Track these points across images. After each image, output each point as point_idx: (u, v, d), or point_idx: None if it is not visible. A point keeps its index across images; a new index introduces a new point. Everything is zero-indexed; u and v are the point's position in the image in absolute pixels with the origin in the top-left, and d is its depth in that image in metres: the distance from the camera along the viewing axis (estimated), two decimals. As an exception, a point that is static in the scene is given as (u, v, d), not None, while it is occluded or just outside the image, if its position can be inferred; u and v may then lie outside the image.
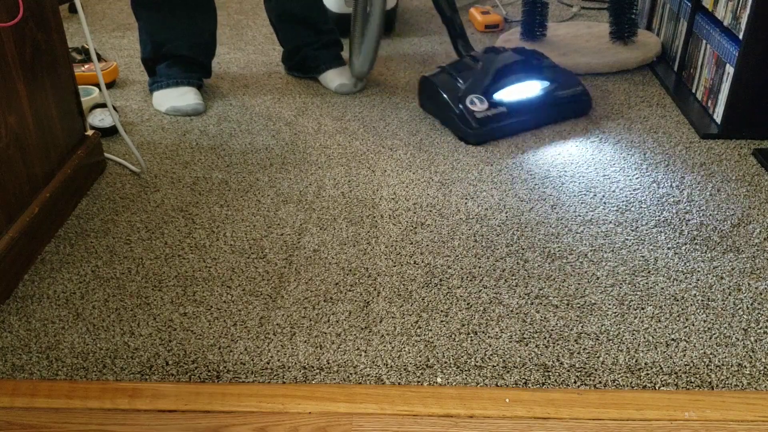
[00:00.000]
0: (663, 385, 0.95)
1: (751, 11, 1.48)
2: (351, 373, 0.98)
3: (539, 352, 1.01)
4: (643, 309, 1.09)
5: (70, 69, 1.40)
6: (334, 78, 1.88)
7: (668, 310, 1.08)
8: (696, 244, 1.24)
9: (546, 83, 1.66)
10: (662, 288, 1.13)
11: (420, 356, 1.00)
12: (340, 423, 0.90)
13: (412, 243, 1.25)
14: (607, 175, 1.46)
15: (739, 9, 1.54)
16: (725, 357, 0.99)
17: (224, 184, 1.46)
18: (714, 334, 1.03)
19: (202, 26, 1.82)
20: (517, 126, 1.62)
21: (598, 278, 1.15)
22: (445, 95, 1.63)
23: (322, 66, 1.92)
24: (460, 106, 1.58)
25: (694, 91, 1.79)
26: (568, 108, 1.68)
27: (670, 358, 0.99)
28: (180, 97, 1.77)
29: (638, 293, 1.12)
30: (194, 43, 1.81)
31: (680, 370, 0.97)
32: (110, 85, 1.95)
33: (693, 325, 1.05)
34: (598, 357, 1.00)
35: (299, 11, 1.87)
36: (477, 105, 1.58)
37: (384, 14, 1.73)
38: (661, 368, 0.97)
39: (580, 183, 1.43)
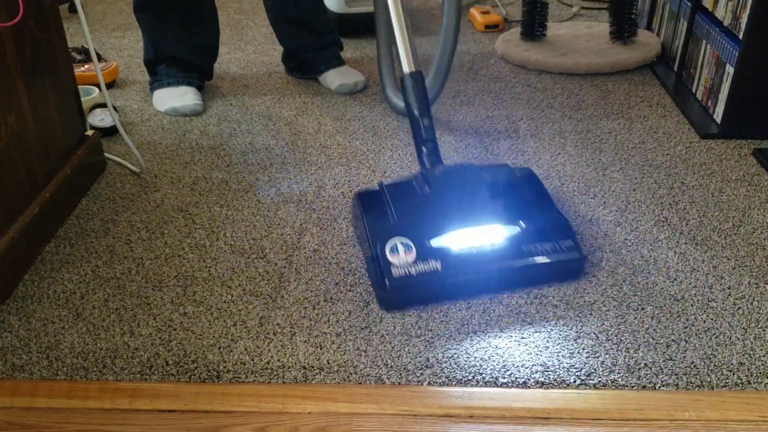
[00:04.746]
0: (663, 385, 0.95)
1: (751, 11, 1.48)
2: (351, 373, 0.98)
3: (539, 352, 1.01)
4: (643, 309, 1.09)
5: (70, 69, 1.40)
6: (334, 78, 1.88)
7: (668, 310, 1.08)
8: (696, 244, 1.24)
9: (516, 229, 1.13)
10: (662, 288, 1.13)
11: (420, 356, 1.00)
12: (340, 423, 0.90)
13: (412, 243, 1.25)
14: (607, 175, 1.46)
15: (739, 9, 1.54)
16: (725, 357, 0.99)
17: (224, 184, 1.46)
18: (714, 334, 1.03)
19: (201, 32, 1.83)
20: (455, 290, 1.11)
21: (598, 278, 1.15)
22: (366, 228, 1.16)
23: (321, 67, 1.92)
24: (378, 250, 1.09)
25: (694, 91, 1.79)
26: (546, 270, 1.12)
27: (670, 358, 0.99)
28: (179, 98, 1.77)
29: (638, 293, 1.12)
30: (194, 47, 1.82)
31: (680, 370, 0.97)
32: (110, 85, 1.95)
33: (693, 325, 1.05)
34: (598, 357, 1.00)
35: (296, 15, 1.87)
36: (400, 255, 1.08)
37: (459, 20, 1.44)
38: (661, 368, 0.97)
39: (580, 183, 1.43)
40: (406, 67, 1.29)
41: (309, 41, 1.91)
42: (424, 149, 1.25)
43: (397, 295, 1.08)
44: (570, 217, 1.31)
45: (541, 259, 1.11)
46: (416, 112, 1.26)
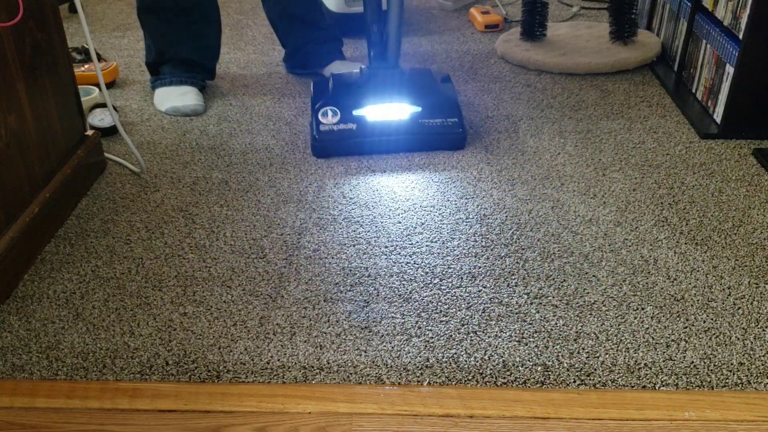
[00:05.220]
0: (663, 385, 0.95)
1: (751, 11, 1.48)
2: (351, 373, 0.98)
3: (539, 352, 1.01)
4: (643, 309, 1.09)
5: (70, 69, 1.40)
6: (338, 68, 1.89)
7: (668, 310, 1.08)
8: (696, 244, 1.24)
9: (416, 109, 1.54)
10: (662, 288, 1.13)
11: (420, 356, 1.00)
12: (340, 423, 0.90)
13: (411, 243, 1.25)
14: (607, 175, 1.46)
15: (739, 9, 1.54)
16: (725, 357, 0.99)
17: (224, 184, 1.46)
18: (714, 334, 1.03)
19: (204, 32, 1.83)
20: (366, 146, 1.54)
21: (598, 278, 1.15)
22: (312, 100, 1.62)
23: (324, 60, 1.93)
24: (314, 114, 1.54)
25: (694, 91, 1.79)
26: (436, 139, 1.55)
27: (670, 358, 0.99)
28: (180, 97, 1.77)
29: (638, 293, 1.12)
30: (197, 47, 1.82)
31: (680, 370, 0.97)
32: (110, 85, 1.95)
33: (693, 325, 1.05)
34: (598, 357, 1.00)
35: (297, 10, 1.88)
36: (328, 117, 1.52)
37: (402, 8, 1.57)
38: (661, 368, 0.97)
39: (580, 183, 1.43)
40: None
41: (310, 36, 1.92)
42: (372, 51, 1.57)
43: (323, 144, 1.53)
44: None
45: (432, 130, 1.54)
46: (369, 21, 1.53)
